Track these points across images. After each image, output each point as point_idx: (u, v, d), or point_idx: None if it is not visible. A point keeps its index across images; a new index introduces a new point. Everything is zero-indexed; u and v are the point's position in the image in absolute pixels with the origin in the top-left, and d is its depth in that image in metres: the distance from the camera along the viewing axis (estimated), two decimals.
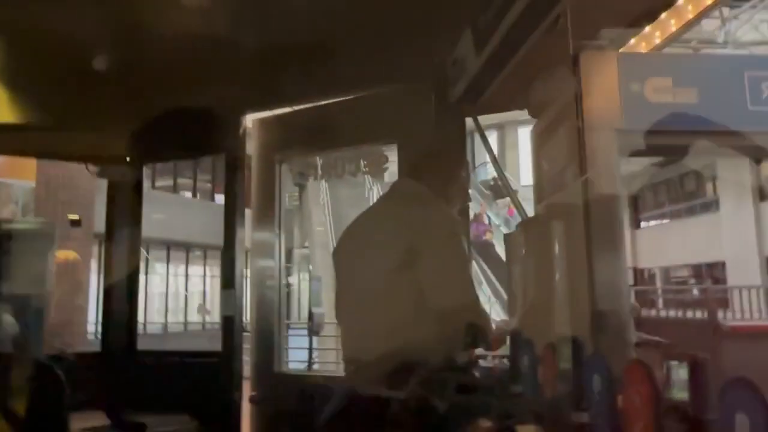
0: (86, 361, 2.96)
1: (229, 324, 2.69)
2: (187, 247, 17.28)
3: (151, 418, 2.56)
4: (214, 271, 18.04)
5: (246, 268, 2.84)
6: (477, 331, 1.74)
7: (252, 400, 2.80)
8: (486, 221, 12.58)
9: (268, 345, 2.88)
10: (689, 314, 11.14)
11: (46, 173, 8.66)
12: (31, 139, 3.04)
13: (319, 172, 2.51)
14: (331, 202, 13.49)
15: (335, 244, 2.16)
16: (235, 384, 2.63)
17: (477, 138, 2.78)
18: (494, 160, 3.02)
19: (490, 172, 14.26)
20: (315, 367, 9.87)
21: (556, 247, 1.70)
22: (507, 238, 2.12)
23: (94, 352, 3.15)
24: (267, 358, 2.86)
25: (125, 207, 3.14)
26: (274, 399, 2.69)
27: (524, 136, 17.82)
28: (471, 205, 2.43)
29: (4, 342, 2.27)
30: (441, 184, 1.95)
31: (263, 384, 2.85)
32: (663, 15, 2.23)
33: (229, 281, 2.72)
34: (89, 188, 9.06)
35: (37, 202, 8.99)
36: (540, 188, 2.09)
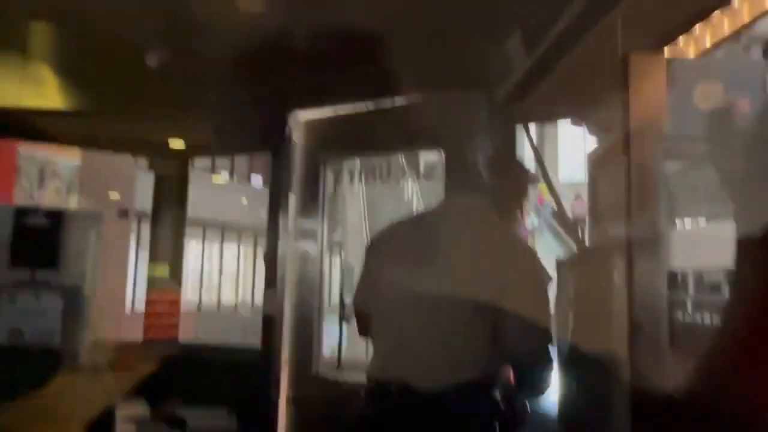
0: (128, 351, 3.04)
1: (270, 323, 2.73)
2: (222, 228, 17.55)
3: (190, 411, 2.62)
4: (247, 252, 18.31)
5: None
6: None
7: (289, 400, 2.82)
8: (528, 226, 12.18)
9: (307, 343, 2.90)
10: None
11: (91, 152, 8.88)
12: (80, 127, 3.11)
13: (362, 174, 2.51)
14: (365, 189, 13.54)
15: (376, 238, 2.09)
16: (273, 383, 2.67)
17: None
18: (539, 160, 2.96)
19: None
20: (344, 354, 9.96)
21: (614, 286, 1.67)
22: (559, 265, 2.09)
23: (136, 342, 3.24)
24: (305, 358, 2.88)
25: (171, 195, 3.23)
26: (312, 401, 2.72)
27: (564, 130, 17.57)
28: None
29: (53, 335, 2.31)
30: (509, 204, 1.95)
31: (301, 385, 2.87)
32: (716, 14, 2.16)
33: (271, 281, 2.76)
34: (131, 168, 9.28)
35: (81, 179, 9.24)
36: (596, 214, 2.06)
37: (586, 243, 2.20)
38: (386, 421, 1.77)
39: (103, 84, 2.73)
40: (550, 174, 3.30)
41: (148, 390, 2.74)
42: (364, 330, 2.02)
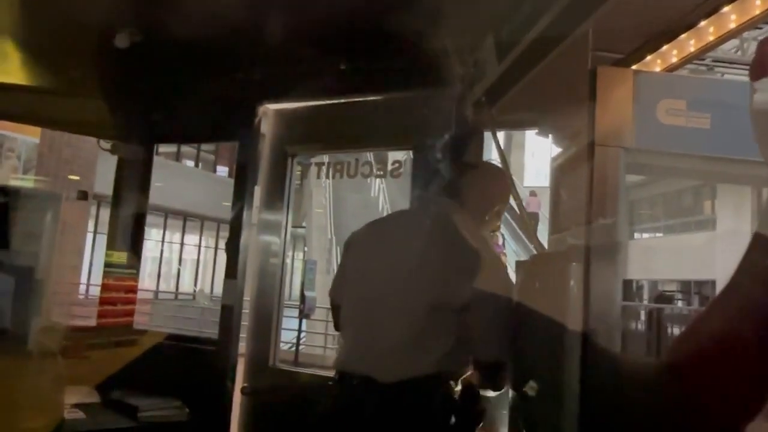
0: (80, 337, 2.97)
1: (228, 313, 2.71)
2: (184, 216, 17.30)
3: (143, 399, 2.58)
4: (209, 242, 18.08)
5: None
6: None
7: (244, 391, 2.81)
8: (500, 241, 12.20)
9: (265, 336, 2.89)
10: (675, 331, 11.24)
11: (51, 130, 8.65)
12: (42, 105, 3.03)
13: (329, 169, 2.52)
14: (332, 184, 13.50)
15: (352, 236, 2.11)
16: (229, 374, 2.66)
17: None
18: (504, 163, 3.00)
19: None
20: (301, 348, 9.92)
21: (570, 289, 1.71)
22: (519, 266, 2.13)
23: (88, 327, 3.18)
24: (263, 351, 2.87)
25: (133, 181, 3.17)
26: (267, 392, 2.71)
27: (531, 136, 17.84)
28: None
29: (2, 317, 2.24)
30: (477, 204, 2.01)
31: (256, 376, 2.86)
32: (683, 35, 2.22)
33: (232, 272, 2.74)
34: (92, 148, 9.06)
35: (39, 158, 9.00)
36: (557, 219, 2.11)
37: (538, 238, 2.24)
38: (346, 411, 1.81)
39: (69, 63, 2.66)
40: (516, 181, 3.34)
41: (99, 377, 2.69)
42: (337, 324, 2.08)
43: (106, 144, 3.28)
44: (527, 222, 2.63)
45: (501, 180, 2.17)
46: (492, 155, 2.92)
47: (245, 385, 2.82)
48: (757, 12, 1.83)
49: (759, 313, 0.74)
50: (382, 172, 2.82)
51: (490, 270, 1.83)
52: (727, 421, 0.77)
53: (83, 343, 2.87)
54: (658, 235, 19.64)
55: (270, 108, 2.94)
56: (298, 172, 3.09)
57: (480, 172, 2.14)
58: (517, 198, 2.59)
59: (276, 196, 2.96)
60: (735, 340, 0.75)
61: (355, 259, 2.03)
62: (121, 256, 3.34)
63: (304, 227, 13.60)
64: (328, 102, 2.81)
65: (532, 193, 14.56)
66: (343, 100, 2.77)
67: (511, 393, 2.01)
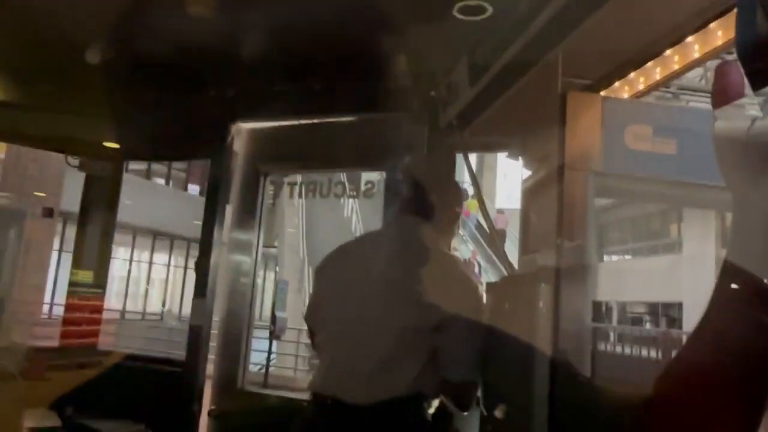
0: (41, 358, 2.89)
1: (196, 334, 2.67)
2: (153, 234, 17.03)
3: (106, 423, 2.51)
4: (178, 261, 17.81)
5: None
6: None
7: (211, 414, 2.75)
8: (476, 269, 12.13)
9: (234, 358, 2.85)
10: (644, 352, 11.40)
11: (17, 146, 8.48)
12: (7, 120, 2.96)
13: (302, 189, 2.52)
14: (305, 204, 13.46)
15: (325, 259, 2.09)
16: (196, 396, 2.61)
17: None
18: (475, 183, 3.02)
19: None
20: (272, 370, 9.79)
21: (540, 311, 1.73)
22: (489, 287, 2.14)
23: (50, 348, 3.09)
24: (231, 373, 2.82)
25: (102, 198, 3.12)
26: (235, 415, 2.66)
27: (503, 158, 18.04)
28: (461, 249, 2.44)
29: None
30: (444, 223, 2.00)
31: (224, 398, 2.81)
32: (649, 63, 2.29)
33: (201, 291, 2.70)
34: (59, 165, 8.89)
35: (3, 173, 8.81)
36: (527, 240, 2.13)
37: (506, 254, 2.26)
38: None
39: (37, 77, 2.62)
40: (487, 202, 3.36)
41: (60, 399, 2.61)
42: (314, 347, 2.07)
43: (74, 160, 3.22)
44: (497, 241, 2.65)
45: (460, 191, 2.20)
46: (464, 177, 2.95)
47: (213, 407, 2.77)
48: (720, 42, 1.90)
49: (734, 345, 0.75)
50: (355, 192, 2.81)
51: (461, 290, 1.84)
52: None
53: (45, 364, 2.79)
54: (626, 257, 19.97)
55: (243, 126, 2.93)
56: (271, 192, 3.06)
57: (445, 190, 2.15)
58: (488, 219, 2.62)
59: (248, 215, 2.94)
60: (714, 374, 0.75)
61: (327, 284, 2.03)
62: (87, 275, 3.28)
63: (275, 247, 13.49)
64: (302, 122, 2.81)
65: (499, 211, 14.87)
66: (316, 120, 2.78)
67: (481, 414, 2.01)
